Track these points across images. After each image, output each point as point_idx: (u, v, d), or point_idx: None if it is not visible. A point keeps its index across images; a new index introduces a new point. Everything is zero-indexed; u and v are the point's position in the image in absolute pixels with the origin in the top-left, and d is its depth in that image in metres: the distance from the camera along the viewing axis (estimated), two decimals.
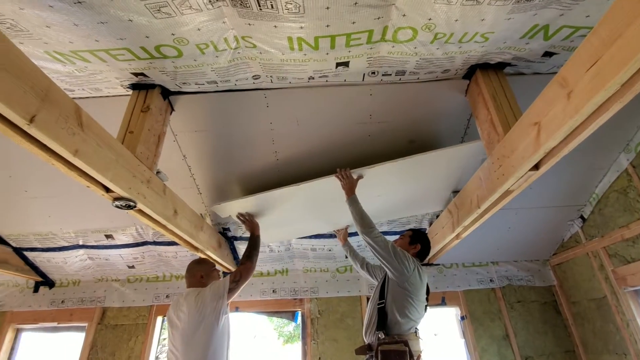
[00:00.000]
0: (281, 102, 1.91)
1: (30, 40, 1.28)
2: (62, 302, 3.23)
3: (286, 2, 1.15)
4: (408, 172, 2.12)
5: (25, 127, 0.98)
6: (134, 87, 1.72)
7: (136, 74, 1.61)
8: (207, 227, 2.43)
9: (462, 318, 3.04)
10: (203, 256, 2.41)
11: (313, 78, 1.73)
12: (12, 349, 3.16)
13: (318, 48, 1.44)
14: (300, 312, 3.04)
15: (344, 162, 2.09)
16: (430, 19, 1.30)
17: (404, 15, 1.27)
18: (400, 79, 1.80)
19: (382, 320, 1.63)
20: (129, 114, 1.67)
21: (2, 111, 0.91)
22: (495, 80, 1.62)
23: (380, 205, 2.44)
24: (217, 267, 2.25)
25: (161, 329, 3.21)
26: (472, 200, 1.85)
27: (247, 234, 2.69)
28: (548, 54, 1.59)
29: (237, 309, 3.04)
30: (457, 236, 2.28)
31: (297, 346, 3.01)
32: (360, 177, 2.01)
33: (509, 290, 3.14)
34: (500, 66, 1.70)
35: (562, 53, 1.57)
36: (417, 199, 2.48)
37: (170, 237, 2.03)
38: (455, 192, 2.31)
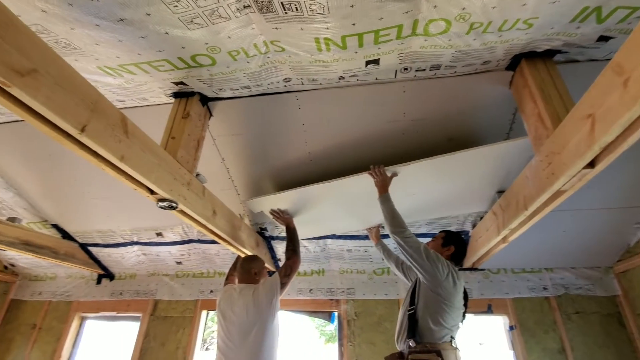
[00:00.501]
0: (313, 104, 1.91)
1: (84, 57, 1.42)
2: (121, 293, 3.55)
3: (310, 4, 1.15)
4: (446, 170, 2.01)
5: (78, 136, 1.09)
6: (176, 95, 1.83)
7: (176, 83, 1.71)
8: (246, 227, 2.52)
9: (511, 328, 2.83)
10: (242, 254, 2.50)
11: (343, 78, 1.72)
12: (77, 335, 3.54)
13: (346, 47, 1.42)
14: (336, 313, 3.03)
15: (377, 161, 2.04)
16: (464, 9, 1.22)
17: (434, 6, 1.21)
18: (435, 74, 1.72)
19: (413, 327, 1.56)
20: (171, 121, 1.78)
21: (57, 122, 1.02)
22: (543, 70, 1.48)
23: (415, 204, 2.35)
24: None
25: (206, 322, 3.39)
26: (518, 201, 1.71)
27: (284, 234, 2.75)
28: (603, 39, 1.42)
29: None
30: (504, 240, 2.12)
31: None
32: (394, 174, 1.95)
33: (566, 300, 2.85)
34: (548, 54, 1.55)
35: (619, 37, 1.39)
36: (456, 199, 2.35)
37: (210, 236, 2.13)
38: (501, 192, 2.15)
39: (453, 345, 1.52)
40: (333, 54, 1.47)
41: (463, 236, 2.67)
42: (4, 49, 0.83)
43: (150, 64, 1.50)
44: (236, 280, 2.10)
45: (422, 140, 2.08)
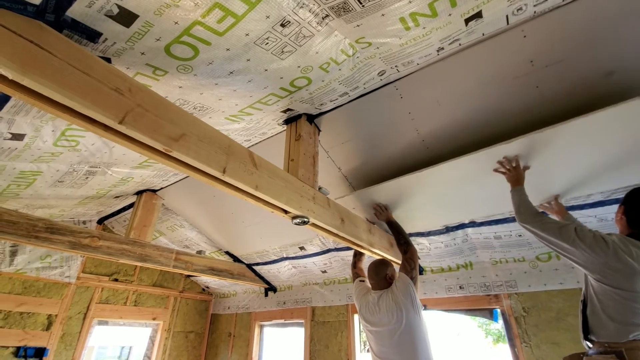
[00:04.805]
0: (414, 88, 1.79)
1: (214, 113, 1.73)
2: (284, 303, 4.07)
3: None
4: (617, 126, 1.52)
5: (221, 177, 1.32)
6: (286, 122, 2.02)
7: (284, 111, 1.89)
8: (376, 229, 2.52)
9: None
10: (377, 257, 2.50)
11: (442, 48, 1.54)
12: (260, 340, 4.22)
13: (437, 14, 1.28)
14: (498, 309, 2.66)
15: (510, 130, 1.75)
16: None
17: None
18: (563, 0, 1.36)
19: (585, 325, 1.27)
20: (288, 145, 1.97)
21: (206, 170, 1.25)
22: None
23: (573, 175, 1.84)
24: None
25: (360, 325, 3.52)
26: None
27: (416, 230, 2.64)
28: None
29: (425, 307, 2.97)
30: None
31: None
32: (526, 167, 1.69)
33: None
34: None
35: None
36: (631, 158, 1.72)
37: (344, 243, 2.22)
38: None
39: None
40: (424, 27, 1.35)
41: None
42: (160, 125, 1.09)
43: (260, 102, 1.71)
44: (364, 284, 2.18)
45: (566, 87, 1.65)
